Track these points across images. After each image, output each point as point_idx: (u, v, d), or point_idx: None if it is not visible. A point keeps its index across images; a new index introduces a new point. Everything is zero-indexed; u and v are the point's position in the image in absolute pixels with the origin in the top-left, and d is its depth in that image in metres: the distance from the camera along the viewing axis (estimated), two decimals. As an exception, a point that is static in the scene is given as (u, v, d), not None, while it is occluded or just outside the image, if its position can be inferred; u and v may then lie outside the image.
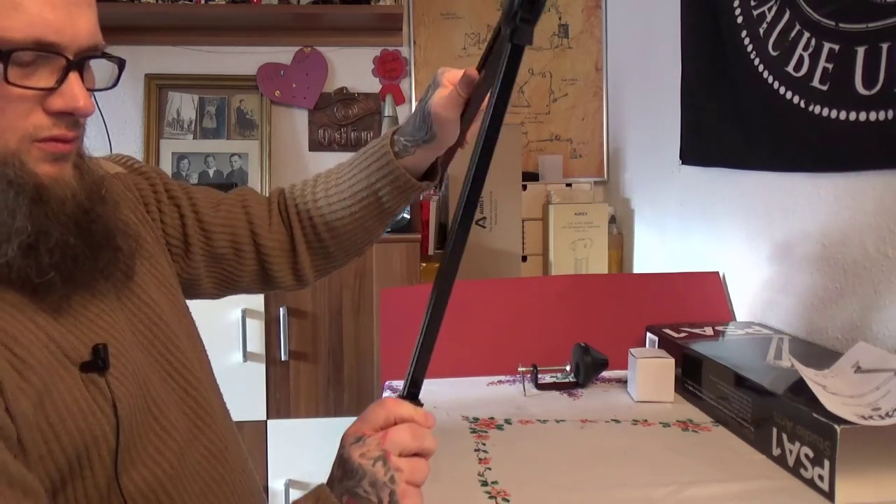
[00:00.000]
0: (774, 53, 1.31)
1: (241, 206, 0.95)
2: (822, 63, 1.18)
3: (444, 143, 0.88)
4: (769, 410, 0.95)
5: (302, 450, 1.97)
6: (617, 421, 1.10)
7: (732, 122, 1.47)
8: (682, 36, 1.70)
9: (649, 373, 1.17)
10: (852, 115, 1.11)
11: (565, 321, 1.43)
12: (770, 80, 1.32)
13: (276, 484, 1.98)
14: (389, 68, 2.48)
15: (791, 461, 0.90)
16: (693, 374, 1.17)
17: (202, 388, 0.79)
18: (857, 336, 1.14)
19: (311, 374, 1.99)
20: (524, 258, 2.20)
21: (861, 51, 1.09)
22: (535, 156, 2.47)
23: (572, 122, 2.50)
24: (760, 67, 1.35)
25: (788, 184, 1.33)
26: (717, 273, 1.57)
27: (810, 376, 0.92)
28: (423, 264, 2.07)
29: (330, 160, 2.48)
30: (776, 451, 0.94)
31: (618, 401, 1.19)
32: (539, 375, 1.27)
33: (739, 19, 1.42)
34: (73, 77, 0.62)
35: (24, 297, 0.63)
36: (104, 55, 0.68)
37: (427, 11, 2.46)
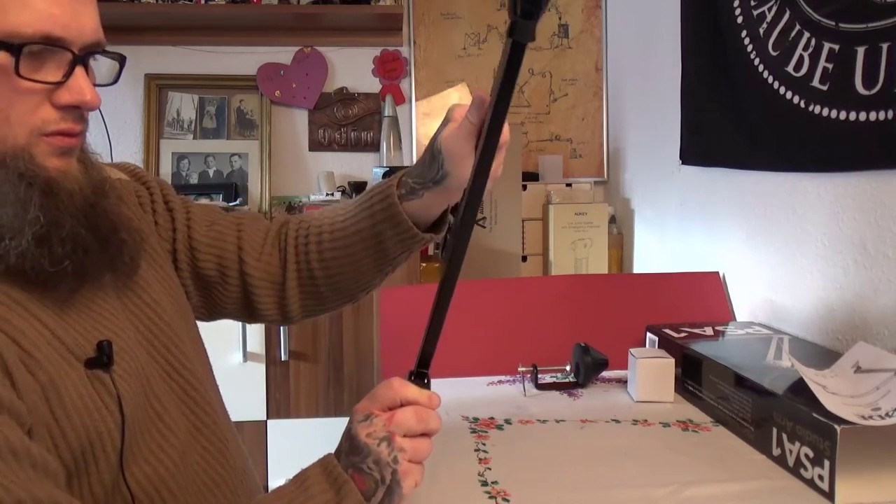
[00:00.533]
0: (774, 53, 1.31)
1: (235, 229, 0.90)
2: (822, 63, 1.18)
3: (457, 184, 0.79)
4: (769, 410, 0.95)
5: (302, 450, 1.97)
6: (617, 421, 1.10)
7: (732, 122, 1.47)
8: (682, 36, 1.70)
9: (649, 373, 1.17)
10: (852, 115, 1.11)
11: (565, 321, 1.43)
12: (770, 79, 1.32)
13: (276, 484, 1.96)
14: (389, 68, 2.48)
15: (791, 461, 0.90)
16: (693, 374, 1.17)
17: (202, 388, 0.80)
18: (857, 336, 1.14)
19: (311, 374, 1.99)
20: (524, 258, 2.20)
21: (861, 51, 1.09)
22: (535, 156, 2.47)
23: (572, 122, 2.50)
24: (760, 67, 1.35)
25: (788, 184, 1.33)
26: (717, 273, 1.57)
27: (810, 376, 0.92)
28: (423, 264, 2.08)
29: (330, 160, 2.48)
30: (776, 451, 0.94)
31: (618, 401, 1.19)
32: (539, 375, 1.27)
33: (739, 19, 1.42)
34: (80, 71, 0.64)
35: (27, 294, 0.64)
36: (106, 52, 0.69)
37: (427, 11, 2.46)
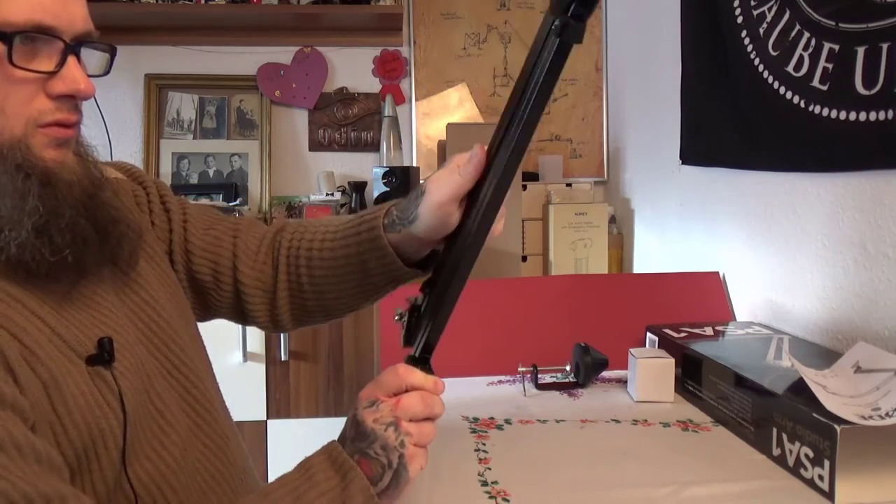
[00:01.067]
0: (774, 53, 1.31)
1: (231, 235, 0.90)
2: (822, 63, 1.18)
3: (429, 230, 0.76)
4: (769, 410, 0.95)
5: (302, 450, 1.96)
6: (617, 421, 1.10)
7: (732, 122, 1.47)
8: (682, 36, 1.70)
9: (649, 373, 1.17)
10: (852, 115, 1.11)
11: (565, 321, 1.43)
12: (770, 80, 1.32)
13: (276, 484, 1.98)
14: (389, 68, 2.48)
15: (791, 461, 0.90)
16: (693, 374, 1.17)
17: (203, 386, 0.80)
18: (857, 336, 1.14)
19: (311, 374, 1.99)
20: (524, 258, 2.20)
21: (861, 51, 1.09)
22: (535, 156, 2.47)
23: (572, 122, 2.50)
24: (760, 67, 1.35)
25: (788, 184, 1.33)
26: (717, 273, 1.57)
27: (810, 376, 0.92)
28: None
29: (330, 160, 2.48)
30: (776, 451, 0.94)
31: (618, 401, 1.19)
32: (539, 375, 1.27)
33: (739, 19, 1.42)
34: (72, 61, 0.65)
35: (26, 291, 0.64)
36: (97, 42, 0.69)
37: (427, 11, 2.46)
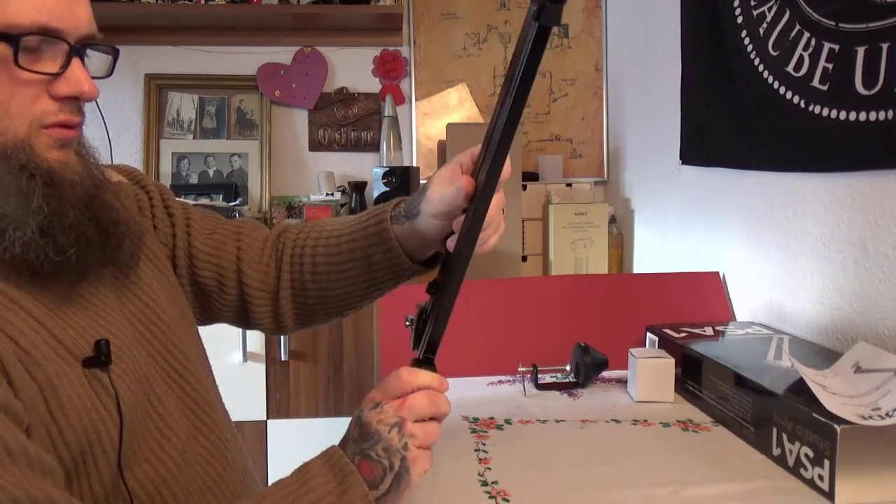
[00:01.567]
0: (774, 53, 1.31)
1: (234, 238, 0.90)
2: (822, 63, 1.18)
3: (425, 227, 0.78)
4: (769, 410, 0.95)
5: (302, 450, 1.96)
6: (617, 421, 1.10)
7: (732, 122, 1.47)
8: (683, 36, 1.70)
9: (649, 373, 1.17)
10: (852, 115, 1.11)
11: (565, 321, 1.43)
12: (770, 79, 1.32)
13: (276, 484, 1.98)
14: (389, 68, 2.48)
15: (791, 461, 0.90)
16: (693, 374, 1.17)
17: (202, 388, 0.80)
18: (857, 336, 1.14)
19: (311, 374, 1.99)
20: (524, 258, 2.20)
21: (861, 51, 1.09)
22: (535, 156, 2.47)
23: (572, 122, 2.50)
24: (760, 67, 1.35)
25: (788, 184, 1.33)
26: (717, 273, 1.57)
27: (810, 376, 0.92)
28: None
29: (330, 160, 2.48)
30: (776, 451, 0.94)
31: (618, 401, 1.19)
32: (539, 375, 1.27)
33: (739, 19, 1.42)
34: (76, 63, 0.65)
35: (24, 292, 0.64)
36: (100, 45, 0.70)
37: (427, 11, 2.46)
